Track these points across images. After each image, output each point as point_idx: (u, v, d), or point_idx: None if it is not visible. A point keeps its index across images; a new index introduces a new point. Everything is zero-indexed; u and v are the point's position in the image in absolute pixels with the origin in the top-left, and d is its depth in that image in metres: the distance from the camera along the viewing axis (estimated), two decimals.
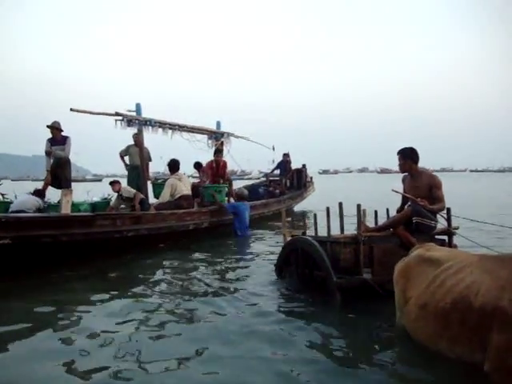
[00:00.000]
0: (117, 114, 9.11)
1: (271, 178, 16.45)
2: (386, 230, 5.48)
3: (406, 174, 5.67)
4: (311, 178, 16.90)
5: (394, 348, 3.86)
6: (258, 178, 22.62)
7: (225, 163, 11.88)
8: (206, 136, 12.34)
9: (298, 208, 16.18)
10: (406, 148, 5.61)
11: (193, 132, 11.59)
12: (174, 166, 10.14)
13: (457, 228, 5.59)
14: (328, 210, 5.29)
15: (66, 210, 7.05)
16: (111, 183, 9.65)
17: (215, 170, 11.61)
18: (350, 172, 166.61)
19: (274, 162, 16.56)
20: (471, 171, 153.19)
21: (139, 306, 5.13)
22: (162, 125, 10.32)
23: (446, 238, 5.54)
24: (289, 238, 6.16)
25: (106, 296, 5.50)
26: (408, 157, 5.56)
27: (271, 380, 3.32)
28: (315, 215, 5.99)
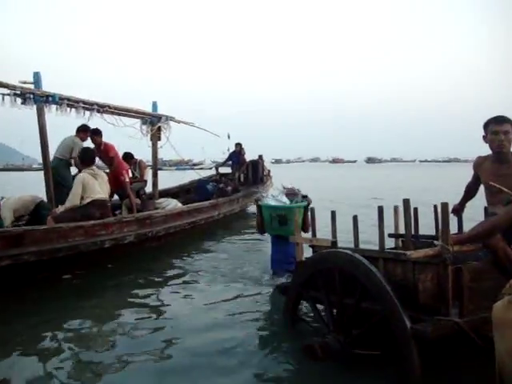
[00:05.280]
0: None
1: (222, 172, 14.20)
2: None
3: (484, 156, 4.01)
4: (269, 170, 14.57)
5: None
6: (211, 168, 20.54)
7: (106, 147, 8.81)
8: (139, 121, 9.73)
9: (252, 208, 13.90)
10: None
11: (119, 114, 8.93)
12: (86, 156, 7.18)
13: None
14: (381, 209, 3.53)
15: None
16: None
17: (100, 158, 8.85)
18: (303, 162, 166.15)
19: (228, 150, 14.69)
20: (420, 161, 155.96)
21: None
22: (74, 103, 7.63)
23: None
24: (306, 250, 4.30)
25: None
26: None
27: None
28: (333, 214, 4.02)
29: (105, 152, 8.81)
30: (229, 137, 14.55)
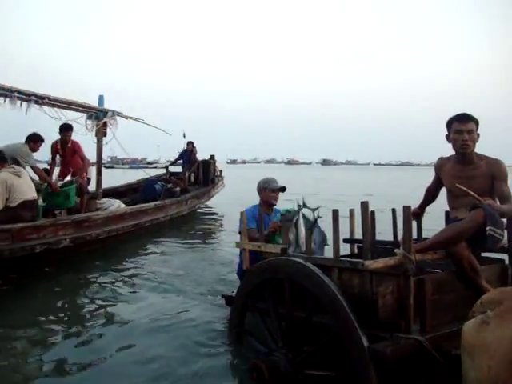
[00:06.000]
0: None
1: (172, 171, 13.77)
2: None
3: (446, 157, 3.73)
4: (221, 171, 14.11)
5: None
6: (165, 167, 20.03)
7: (74, 144, 8.29)
8: (84, 115, 9.10)
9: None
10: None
11: (61, 107, 8.28)
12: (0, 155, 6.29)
13: None
14: (336, 213, 3.13)
15: None
16: None
17: (61, 156, 8.32)
18: (258, 163, 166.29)
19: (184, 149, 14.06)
20: (375, 164, 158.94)
21: None
22: (7, 92, 6.94)
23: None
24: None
25: None
26: (478, 128, 3.52)
27: None
28: (284, 217, 3.71)
29: (71, 150, 8.24)
30: (184, 135, 14.00)
